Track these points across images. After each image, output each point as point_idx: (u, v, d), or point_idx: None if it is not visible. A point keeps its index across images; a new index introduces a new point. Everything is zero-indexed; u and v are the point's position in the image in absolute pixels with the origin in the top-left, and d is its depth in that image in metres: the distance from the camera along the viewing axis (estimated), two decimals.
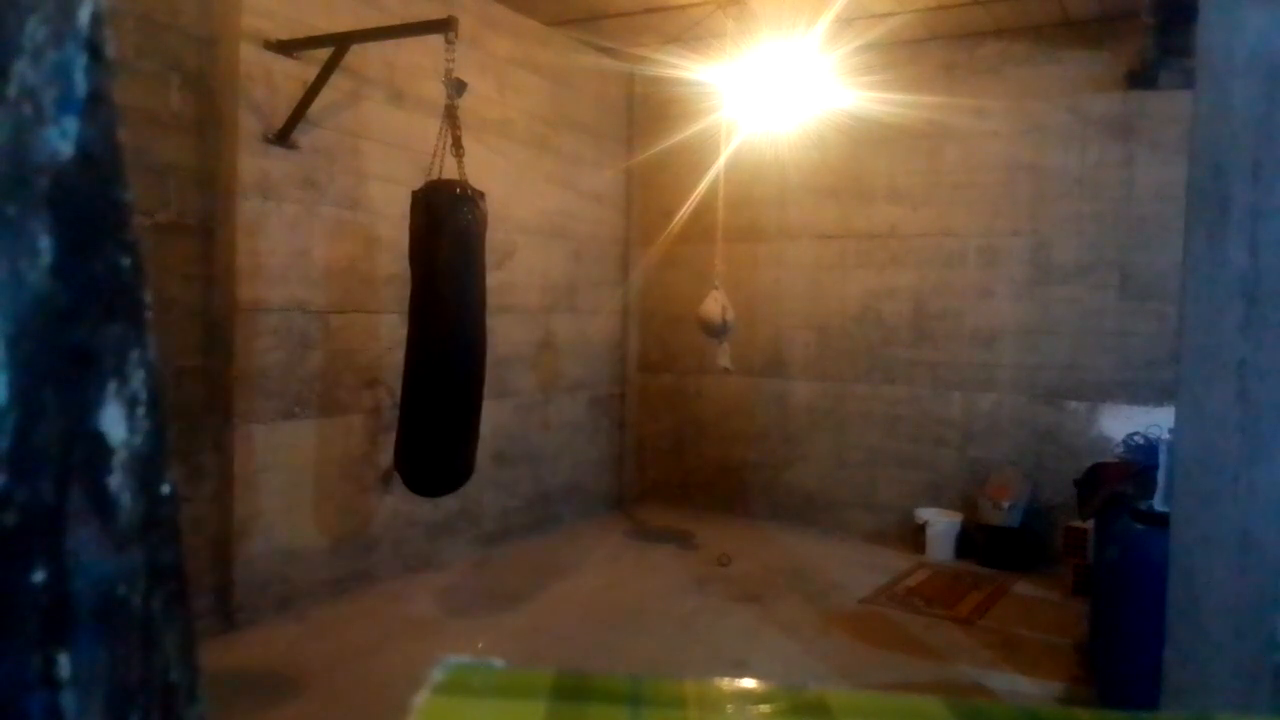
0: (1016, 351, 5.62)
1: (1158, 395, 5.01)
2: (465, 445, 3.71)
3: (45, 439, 0.40)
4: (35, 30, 0.41)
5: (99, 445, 0.43)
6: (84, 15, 0.43)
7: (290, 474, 4.21)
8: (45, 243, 0.41)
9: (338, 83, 4.14)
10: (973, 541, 5.52)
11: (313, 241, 4.26)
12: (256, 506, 4.05)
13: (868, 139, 5.95)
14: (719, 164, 5.47)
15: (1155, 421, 4.16)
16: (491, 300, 3.87)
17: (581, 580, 5.00)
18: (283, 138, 4.04)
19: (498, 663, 0.45)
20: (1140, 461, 3.82)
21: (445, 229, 3.53)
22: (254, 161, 3.97)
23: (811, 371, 6.28)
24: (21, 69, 0.40)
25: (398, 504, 4.73)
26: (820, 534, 6.09)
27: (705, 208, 5.89)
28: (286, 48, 4.01)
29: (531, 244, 5.72)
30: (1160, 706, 2.07)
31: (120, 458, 0.44)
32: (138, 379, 0.45)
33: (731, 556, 5.35)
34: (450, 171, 3.55)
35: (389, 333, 4.57)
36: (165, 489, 0.47)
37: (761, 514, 6.43)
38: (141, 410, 0.45)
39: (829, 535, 6.07)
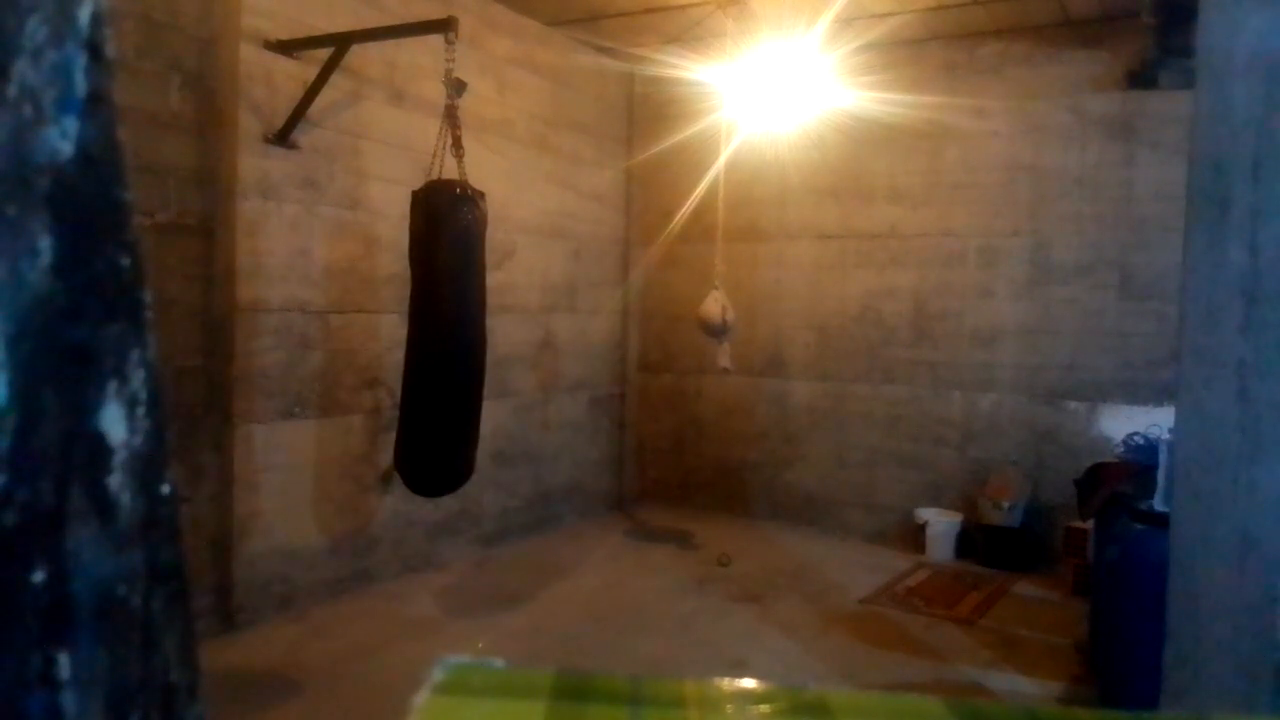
0: (1016, 351, 5.62)
1: (1158, 395, 5.01)
2: (465, 445, 3.71)
3: (45, 439, 0.40)
4: (35, 30, 0.41)
5: (99, 445, 0.43)
6: (84, 15, 0.43)
7: (290, 474, 4.21)
8: (45, 243, 0.41)
9: (338, 83, 4.14)
10: (973, 541, 5.52)
11: (313, 241, 4.26)
12: (256, 506, 4.05)
13: (868, 139, 5.95)
14: (719, 164, 5.47)
15: (1155, 421, 4.16)
16: (491, 300, 3.87)
17: (581, 580, 5.00)
18: (283, 138, 4.04)
19: (498, 663, 0.45)
20: (1140, 461, 3.82)
21: (445, 229, 3.53)
22: (254, 161, 3.97)
23: (811, 371, 6.28)
24: (21, 69, 0.40)
25: (398, 504, 4.73)
26: (820, 534, 6.09)
27: (705, 208, 5.89)
28: (286, 48, 4.01)
29: (531, 244, 5.72)
30: (1160, 706, 2.07)
31: (120, 458, 0.44)
32: (138, 379, 0.45)
33: (731, 556, 5.35)
34: (450, 171, 3.55)
35: (389, 333, 4.57)
36: (165, 489, 0.47)
37: (761, 514, 6.42)
38: (141, 410, 0.45)
39: (829, 535, 6.06)
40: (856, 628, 4.35)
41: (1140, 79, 5.10)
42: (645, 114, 6.69)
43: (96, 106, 0.43)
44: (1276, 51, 1.80)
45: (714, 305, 5.28)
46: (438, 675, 0.43)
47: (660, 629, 4.27)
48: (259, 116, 3.98)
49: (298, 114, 4.02)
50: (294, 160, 4.13)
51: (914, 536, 5.72)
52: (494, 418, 4.95)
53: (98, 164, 0.44)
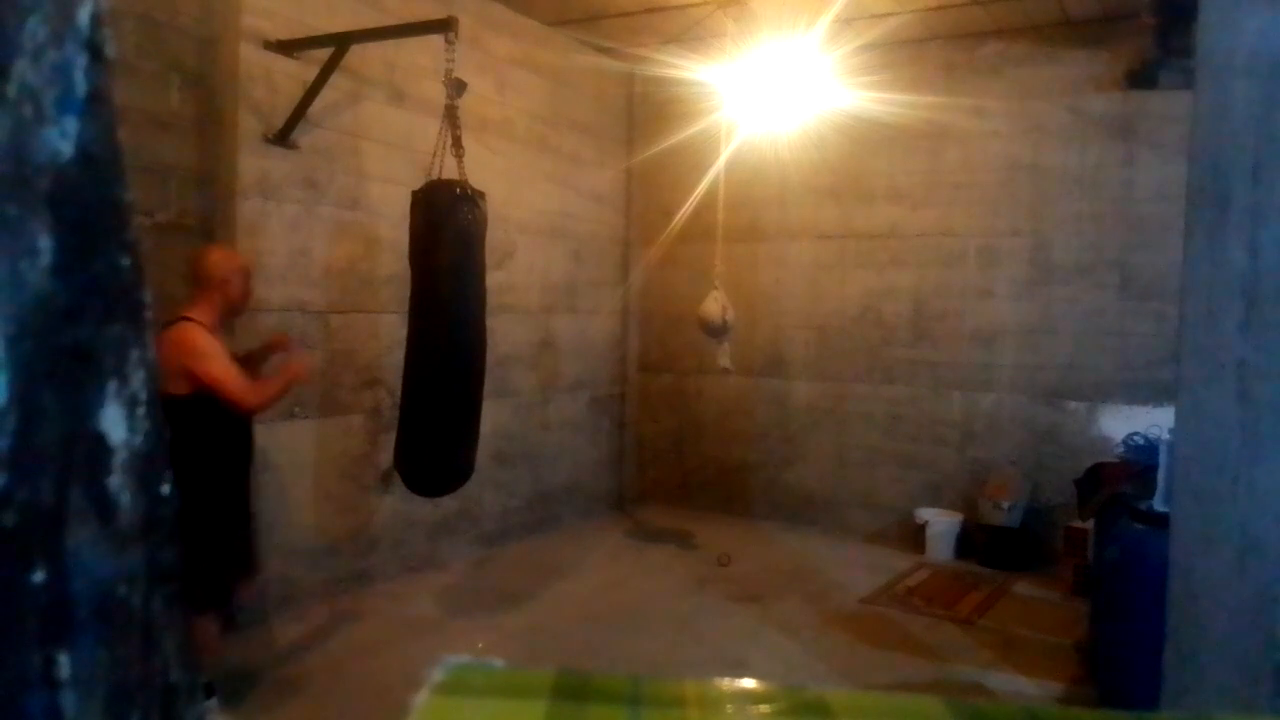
0: (1016, 351, 5.62)
1: (1158, 395, 5.01)
2: (465, 445, 3.70)
3: (45, 439, 0.40)
4: (35, 30, 0.41)
5: (99, 445, 0.43)
6: (84, 15, 0.43)
7: (290, 474, 4.21)
8: (45, 243, 0.41)
9: (338, 83, 4.13)
10: (973, 541, 5.52)
11: (313, 241, 4.26)
12: (256, 506, 4.05)
13: (868, 139, 5.95)
14: (719, 164, 5.46)
15: (1155, 421, 4.16)
16: (491, 300, 3.86)
17: (581, 580, 4.99)
18: (283, 138, 4.04)
19: (498, 663, 0.45)
20: (1140, 461, 3.82)
21: (445, 229, 3.52)
22: (254, 161, 3.96)
23: (811, 371, 6.28)
24: (21, 69, 0.40)
25: (398, 504, 4.73)
26: (820, 534, 6.09)
27: (705, 208, 5.88)
28: (286, 48, 4.01)
29: (531, 244, 5.72)
30: (1160, 706, 2.07)
31: (120, 458, 0.44)
32: (138, 379, 0.45)
33: (731, 556, 5.35)
34: (450, 171, 3.55)
35: (389, 333, 4.57)
36: (165, 489, 0.47)
37: (761, 514, 6.42)
38: (141, 410, 0.45)
39: (829, 535, 6.07)
40: (856, 628, 4.35)
41: (1140, 79, 5.10)
42: (645, 114, 6.69)
43: (96, 106, 0.43)
44: (1276, 51, 1.80)
45: (714, 305, 5.27)
46: (438, 675, 0.43)
47: (660, 629, 4.27)
48: (259, 116, 3.98)
49: (298, 114, 4.02)
50: (294, 160, 4.13)
51: (914, 536, 5.72)
52: (494, 418, 4.94)
53: (98, 164, 0.44)
